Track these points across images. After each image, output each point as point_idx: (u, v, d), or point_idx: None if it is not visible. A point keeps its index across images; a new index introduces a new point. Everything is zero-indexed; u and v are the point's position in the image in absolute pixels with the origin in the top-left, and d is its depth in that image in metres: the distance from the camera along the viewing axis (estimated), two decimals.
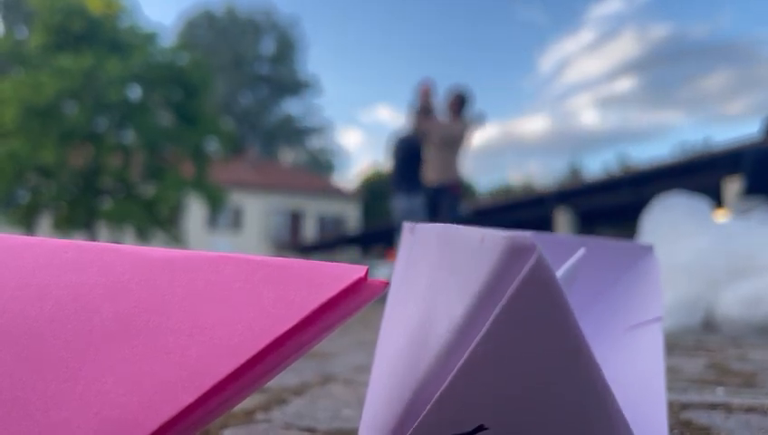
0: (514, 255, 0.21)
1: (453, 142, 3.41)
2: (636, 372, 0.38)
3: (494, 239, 0.22)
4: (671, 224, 2.19)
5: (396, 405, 0.29)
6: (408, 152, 3.50)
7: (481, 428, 0.26)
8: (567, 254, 0.38)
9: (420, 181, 3.52)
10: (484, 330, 0.22)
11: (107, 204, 10.46)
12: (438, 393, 0.25)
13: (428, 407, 0.25)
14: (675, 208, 2.25)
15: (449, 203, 3.36)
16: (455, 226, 0.27)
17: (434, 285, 0.28)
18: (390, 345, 0.36)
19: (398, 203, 3.47)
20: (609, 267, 0.44)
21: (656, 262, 0.43)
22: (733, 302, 1.96)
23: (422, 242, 0.34)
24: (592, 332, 0.43)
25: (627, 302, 0.42)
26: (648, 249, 0.44)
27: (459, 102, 3.48)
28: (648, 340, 0.39)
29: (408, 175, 3.47)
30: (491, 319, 0.22)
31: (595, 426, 0.26)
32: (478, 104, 3.63)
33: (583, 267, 0.38)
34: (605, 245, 0.44)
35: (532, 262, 0.20)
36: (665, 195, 2.32)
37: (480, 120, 3.57)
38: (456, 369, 0.24)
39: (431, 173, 3.39)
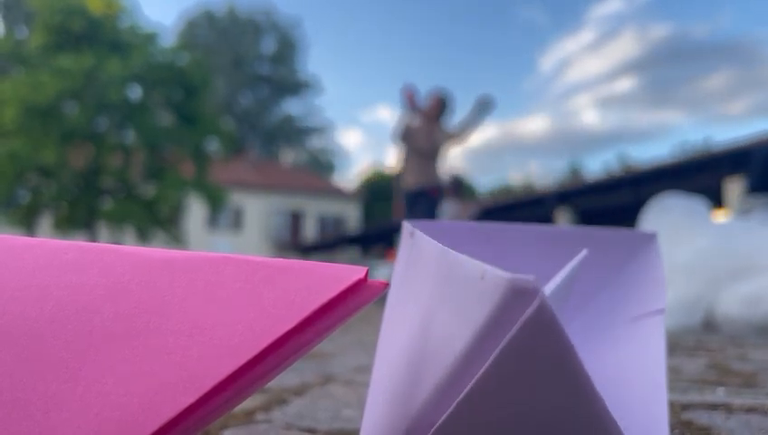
0: (516, 298, 0.20)
1: (434, 151, 3.38)
2: (637, 365, 0.38)
3: (494, 279, 0.21)
4: (670, 225, 2.20)
5: (396, 428, 0.29)
6: None
7: None
8: (570, 246, 0.38)
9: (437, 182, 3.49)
10: (483, 369, 0.22)
11: (107, 204, 10.47)
12: (437, 426, 0.25)
13: None
14: (672, 209, 2.25)
15: (427, 206, 3.34)
16: (454, 253, 0.26)
17: (433, 304, 0.28)
18: (391, 349, 0.36)
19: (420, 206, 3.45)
20: (611, 258, 0.44)
21: (659, 250, 0.42)
22: (733, 302, 1.96)
23: (422, 253, 0.33)
24: (595, 324, 0.43)
25: (629, 293, 0.42)
26: (651, 237, 0.43)
27: (440, 107, 3.42)
28: (649, 333, 0.39)
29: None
30: (490, 361, 0.22)
31: None
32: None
33: (585, 259, 0.38)
34: (608, 235, 0.44)
35: (534, 307, 0.20)
36: (663, 196, 2.32)
37: (488, 104, 3.42)
38: (453, 406, 0.24)
39: (410, 177, 3.36)
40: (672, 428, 0.53)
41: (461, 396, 0.23)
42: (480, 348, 0.23)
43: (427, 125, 3.39)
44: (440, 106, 3.42)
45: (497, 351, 0.21)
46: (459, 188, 4.42)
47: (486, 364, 0.22)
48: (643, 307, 0.40)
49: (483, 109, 3.38)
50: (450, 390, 0.25)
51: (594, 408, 0.23)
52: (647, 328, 0.39)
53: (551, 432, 0.24)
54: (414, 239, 0.36)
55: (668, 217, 2.23)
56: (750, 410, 0.62)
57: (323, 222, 19.41)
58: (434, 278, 0.29)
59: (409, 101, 3.41)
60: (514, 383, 0.22)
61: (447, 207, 4.15)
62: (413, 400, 0.27)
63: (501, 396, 0.23)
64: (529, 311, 0.20)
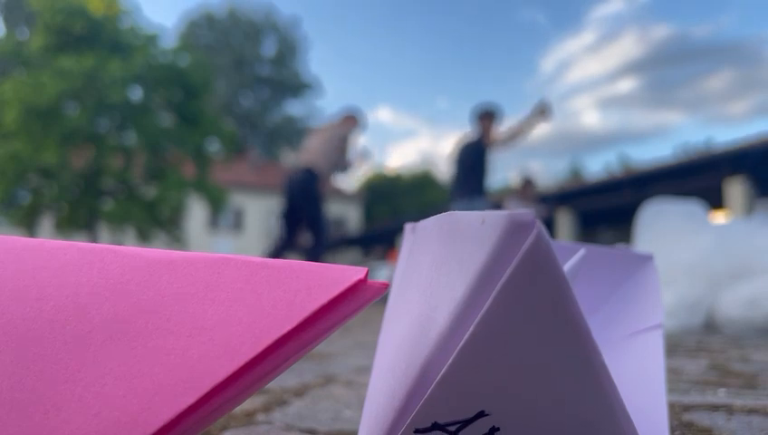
0: (515, 232, 0.21)
1: (335, 162, 3.40)
2: (636, 377, 0.38)
3: (494, 219, 0.22)
4: (666, 228, 2.20)
5: (397, 394, 0.29)
6: (471, 158, 3.39)
7: (482, 414, 0.26)
8: (566, 260, 0.38)
9: (483, 187, 3.40)
10: (485, 308, 0.23)
11: (108, 205, 10.47)
12: (439, 377, 0.25)
13: (429, 392, 0.25)
14: (667, 213, 2.26)
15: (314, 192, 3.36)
16: (456, 212, 0.27)
17: (436, 268, 0.29)
18: (391, 343, 0.36)
19: (457, 208, 3.31)
20: (608, 276, 0.44)
21: (655, 270, 0.43)
22: (734, 303, 1.96)
23: (423, 238, 0.34)
24: (594, 338, 0.44)
25: (627, 310, 0.43)
26: (648, 258, 0.44)
27: (353, 125, 3.43)
28: (648, 346, 0.39)
29: (471, 180, 3.37)
30: (492, 296, 0.22)
31: (594, 407, 0.26)
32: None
33: (583, 276, 0.38)
34: (605, 253, 0.44)
35: (532, 237, 0.21)
36: (656, 200, 2.33)
37: (546, 110, 3.29)
38: (456, 350, 0.24)
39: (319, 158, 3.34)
40: (673, 429, 0.53)
41: (463, 342, 0.24)
42: (481, 289, 0.23)
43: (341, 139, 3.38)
44: (353, 124, 3.42)
45: (499, 285, 0.22)
46: (528, 189, 4.27)
47: (488, 302, 0.22)
48: (641, 322, 0.41)
49: (540, 114, 3.31)
50: (452, 339, 0.25)
51: (586, 343, 0.24)
52: (645, 342, 0.40)
53: (549, 380, 0.25)
54: (415, 232, 0.36)
55: (664, 220, 2.23)
56: (751, 411, 0.62)
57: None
58: (437, 245, 0.29)
59: (351, 123, 3.44)
60: (517, 318, 0.23)
61: (513, 208, 4.06)
62: (416, 361, 0.28)
63: (503, 337, 0.23)
64: (528, 240, 0.21)
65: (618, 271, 0.44)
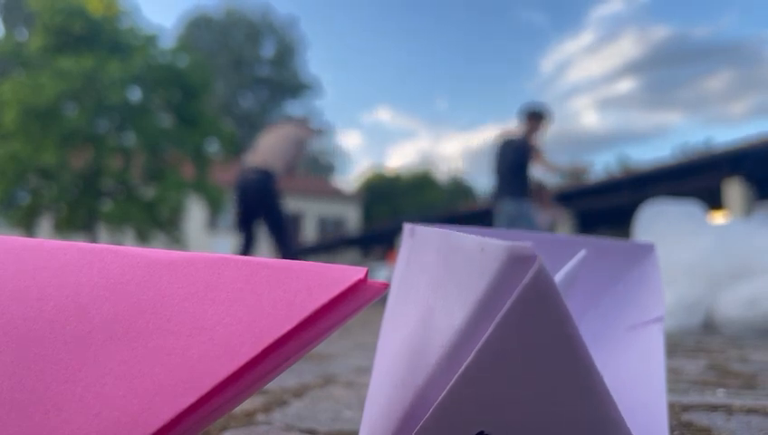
0: (515, 264, 0.21)
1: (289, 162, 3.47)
2: (636, 371, 0.38)
3: (494, 249, 0.22)
4: (665, 228, 2.20)
5: (396, 411, 0.29)
6: (517, 156, 3.35)
7: (481, 434, 0.26)
8: (568, 254, 0.38)
9: (528, 187, 3.38)
10: (484, 339, 0.22)
11: (107, 205, 10.46)
12: (438, 401, 0.25)
13: (428, 414, 0.25)
14: (666, 214, 2.26)
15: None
16: (455, 232, 0.27)
17: (434, 289, 0.29)
18: (390, 348, 0.36)
19: (504, 208, 3.32)
20: (610, 267, 0.44)
21: (656, 261, 0.43)
22: (733, 303, 1.96)
23: (422, 245, 0.34)
24: (594, 332, 0.43)
25: (628, 302, 0.42)
26: (649, 248, 0.44)
27: (308, 129, 3.57)
28: (648, 339, 0.39)
29: (518, 181, 3.34)
30: (491, 328, 0.22)
31: (596, 434, 0.26)
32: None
33: (585, 268, 0.38)
34: (606, 245, 0.44)
35: (532, 272, 0.20)
36: (655, 200, 2.34)
37: (582, 175, 3.44)
38: (455, 377, 0.24)
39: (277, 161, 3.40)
40: (672, 429, 0.53)
41: (461, 369, 0.23)
42: (480, 319, 0.23)
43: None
44: (309, 130, 3.57)
45: (498, 318, 0.21)
46: (542, 193, 4.18)
47: (487, 333, 0.22)
48: (642, 315, 0.41)
49: (575, 175, 3.38)
50: (451, 365, 0.25)
51: (590, 376, 0.24)
52: (646, 335, 0.40)
53: (550, 405, 0.25)
54: (414, 237, 0.36)
55: (663, 221, 2.24)
56: (750, 411, 0.62)
57: (323, 223, 19.40)
58: (435, 263, 0.29)
59: (307, 131, 3.58)
60: (516, 350, 0.22)
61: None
62: (414, 382, 0.28)
63: (502, 367, 0.23)
64: (528, 275, 0.20)
65: (619, 262, 0.44)
